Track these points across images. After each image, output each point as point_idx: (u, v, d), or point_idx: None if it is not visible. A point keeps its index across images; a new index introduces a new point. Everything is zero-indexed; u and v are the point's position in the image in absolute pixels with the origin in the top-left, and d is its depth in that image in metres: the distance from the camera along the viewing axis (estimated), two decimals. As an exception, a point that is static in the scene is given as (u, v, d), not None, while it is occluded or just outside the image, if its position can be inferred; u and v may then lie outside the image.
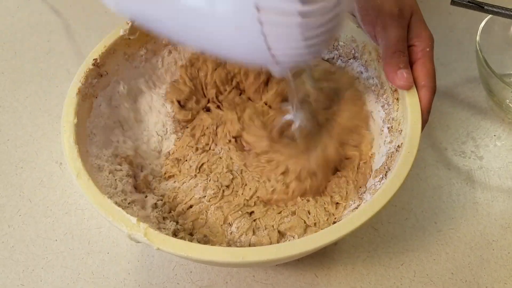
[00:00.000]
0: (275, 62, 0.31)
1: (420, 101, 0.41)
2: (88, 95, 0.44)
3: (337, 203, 0.44)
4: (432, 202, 0.50)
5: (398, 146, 0.40)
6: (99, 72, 0.45)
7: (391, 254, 0.47)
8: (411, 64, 0.42)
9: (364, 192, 0.43)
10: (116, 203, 0.37)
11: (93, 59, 0.44)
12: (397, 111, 0.43)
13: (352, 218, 0.35)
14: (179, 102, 0.50)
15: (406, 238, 0.48)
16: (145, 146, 0.49)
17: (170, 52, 0.51)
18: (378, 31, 0.42)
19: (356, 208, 0.43)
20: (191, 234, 0.43)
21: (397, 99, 0.43)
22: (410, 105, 0.40)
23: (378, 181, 0.41)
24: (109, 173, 0.42)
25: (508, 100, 0.54)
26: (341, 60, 0.50)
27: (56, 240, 0.48)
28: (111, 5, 0.35)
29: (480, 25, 0.55)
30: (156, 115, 0.50)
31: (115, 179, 0.42)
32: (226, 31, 0.30)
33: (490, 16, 0.54)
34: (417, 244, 0.48)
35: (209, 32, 0.31)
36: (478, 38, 0.54)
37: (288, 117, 0.46)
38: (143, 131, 0.50)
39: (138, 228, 0.35)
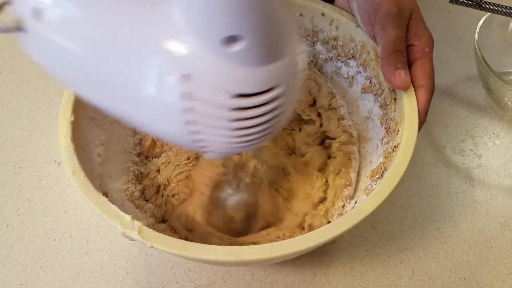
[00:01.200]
0: (202, 152, 0.29)
1: (417, 101, 0.41)
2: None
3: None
4: (431, 200, 0.50)
5: (395, 146, 0.40)
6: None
7: (389, 253, 0.47)
8: (410, 64, 0.42)
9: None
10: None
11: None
12: (394, 111, 0.43)
13: (346, 218, 0.35)
14: None
15: (404, 237, 0.48)
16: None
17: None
18: (377, 30, 0.42)
19: (343, 206, 0.43)
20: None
21: (395, 99, 0.43)
22: (407, 105, 0.40)
23: (374, 181, 0.41)
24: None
25: (506, 98, 0.53)
26: (340, 59, 0.50)
27: (54, 240, 0.48)
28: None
29: (479, 23, 0.55)
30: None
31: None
32: (153, 117, 0.27)
33: (488, 14, 0.54)
34: (416, 242, 0.48)
35: (137, 115, 0.28)
36: (476, 36, 0.54)
37: (226, 193, 0.45)
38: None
39: (132, 226, 0.34)
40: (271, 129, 0.27)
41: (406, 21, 0.42)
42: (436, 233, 0.48)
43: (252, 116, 0.25)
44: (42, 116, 0.58)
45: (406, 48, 0.42)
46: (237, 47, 0.22)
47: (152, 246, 0.34)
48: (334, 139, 0.49)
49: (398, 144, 0.39)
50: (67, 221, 0.50)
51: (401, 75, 0.40)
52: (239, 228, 0.45)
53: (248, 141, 0.27)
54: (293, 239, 0.34)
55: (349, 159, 0.47)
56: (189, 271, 0.46)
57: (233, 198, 0.45)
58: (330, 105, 0.51)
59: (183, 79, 0.23)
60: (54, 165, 0.54)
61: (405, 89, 0.41)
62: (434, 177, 0.52)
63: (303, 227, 0.42)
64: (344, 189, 0.45)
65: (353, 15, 0.46)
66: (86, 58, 0.27)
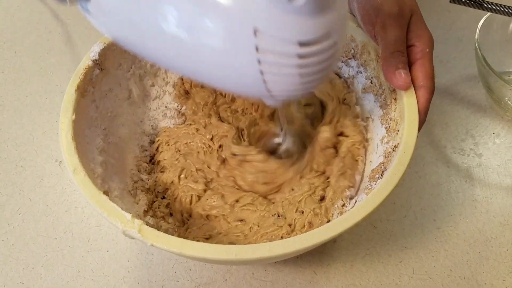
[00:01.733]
0: (271, 97, 0.32)
1: (418, 101, 0.41)
2: (87, 91, 0.44)
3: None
4: (431, 199, 0.50)
5: (395, 146, 0.40)
6: (99, 68, 0.45)
7: (390, 252, 0.47)
8: (410, 64, 0.42)
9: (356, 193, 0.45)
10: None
11: (92, 56, 0.44)
12: (394, 111, 0.43)
13: (347, 217, 0.35)
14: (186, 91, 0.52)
15: (405, 236, 0.48)
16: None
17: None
18: (378, 30, 0.42)
19: (342, 206, 0.43)
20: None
21: (395, 99, 0.43)
22: (407, 105, 0.40)
23: (374, 181, 0.41)
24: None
25: (507, 98, 0.54)
26: (341, 59, 0.50)
27: (56, 238, 0.49)
28: (103, 31, 0.36)
29: (479, 23, 0.55)
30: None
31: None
32: (223, 67, 0.31)
33: (489, 13, 0.54)
34: (416, 241, 0.48)
35: (203, 66, 0.31)
36: (477, 36, 0.54)
37: (277, 140, 0.48)
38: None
39: (133, 224, 0.35)
40: (326, 71, 0.31)
41: (407, 21, 0.43)
42: (436, 232, 0.48)
43: (314, 62, 0.29)
44: (44, 115, 0.58)
45: (407, 49, 0.42)
46: (300, 2, 0.26)
47: (152, 245, 0.34)
48: (347, 136, 0.48)
49: (398, 144, 0.39)
50: (68, 220, 0.50)
51: (402, 75, 0.40)
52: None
53: (309, 82, 0.31)
54: (293, 238, 0.34)
55: (357, 160, 0.46)
56: (190, 269, 0.46)
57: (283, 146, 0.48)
58: (344, 99, 0.50)
59: (256, 33, 0.27)
60: (56, 164, 0.54)
61: (406, 89, 0.41)
62: (434, 176, 0.52)
63: (304, 225, 0.42)
64: (346, 190, 0.45)
65: (354, 15, 0.46)
66: (157, 17, 0.30)
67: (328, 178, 0.46)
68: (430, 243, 0.48)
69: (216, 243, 0.40)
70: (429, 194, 0.51)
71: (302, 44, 0.28)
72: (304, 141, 0.49)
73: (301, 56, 0.28)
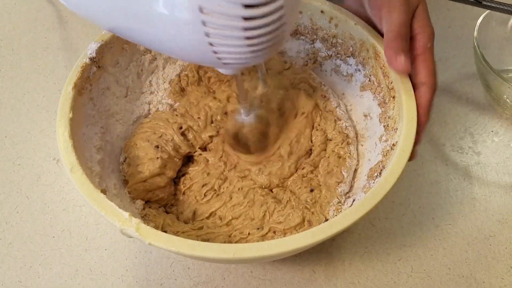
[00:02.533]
0: (221, 64, 0.32)
1: (421, 99, 0.40)
2: (84, 89, 0.44)
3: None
4: (429, 197, 0.50)
5: (393, 144, 0.40)
6: (96, 66, 0.45)
7: (388, 250, 0.47)
8: (411, 60, 0.41)
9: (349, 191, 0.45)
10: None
11: (90, 54, 0.44)
12: (393, 110, 0.43)
13: (345, 215, 0.35)
14: (182, 88, 0.52)
15: (403, 234, 0.48)
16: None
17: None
18: (384, 13, 0.41)
19: (338, 203, 0.43)
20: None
21: (393, 97, 0.43)
22: (406, 103, 0.40)
23: (373, 179, 0.41)
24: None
25: (505, 96, 0.53)
26: (339, 57, 0.50)
27: (54, 237, 0.48)
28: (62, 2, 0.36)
29: (478, 21, 0.55)
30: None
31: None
32: (171, 33, 0.30)
33: (487, 11, 0.54)
34: (415, 239, 0.48)
35: (153, 33, 0.31)
36: (475, 33, 0.54)
37: (239, 118, 0.47)
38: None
39: (130, 223, 0.34)
40: (276, 40, 0.31)
41: (413, 9, 0.41)
42: (435, 230, 0.48)
43: (260, 25, 0.29)
44: (41, 113, 0.58)
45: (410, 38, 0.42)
46: None
47: (150, 244, 0.34)
48: (330, 140, 0.49)
49: (397, 142, 0.39)
50: (66, 218, 0.50)
51: (402, 60, 0.40)
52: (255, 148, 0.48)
53: (258, 50, 0.30)
54: (291, 237, 0.34)
55: (344, 158, 0.47)
56: (188, 268, 0.46)
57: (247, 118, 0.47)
58: (325, 107, 0.51)
59: None
60: (53, 162, 0.54)
61: (404, 73, 0.40)
62: (433, 174, 0.52)
63: (303, 223, 0.42)
64: (337, 187, 0.45)
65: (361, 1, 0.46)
66: None
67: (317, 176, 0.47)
68: (429, 242, 0.48)
69: (214, 238, 0.41)
70: (427, 193, 0.51)
71: (246, 5, 0.27)
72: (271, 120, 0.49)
73: (246, 19, 0.28)
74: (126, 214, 0.35)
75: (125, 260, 0.47)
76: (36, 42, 0.66)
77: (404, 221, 0.49)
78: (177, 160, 0.48)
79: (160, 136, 0.47)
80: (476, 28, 0.54)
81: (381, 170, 0.40)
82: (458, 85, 0.60)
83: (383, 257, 0.47)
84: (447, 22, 0.67)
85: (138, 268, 0.46)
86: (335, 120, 0.50)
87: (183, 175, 0.48)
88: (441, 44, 0.64)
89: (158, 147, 0.46)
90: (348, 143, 0.48)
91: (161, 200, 0.46)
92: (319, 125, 0.49)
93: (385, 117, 0.44)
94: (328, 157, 0.47)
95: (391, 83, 0.43)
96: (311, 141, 0.49)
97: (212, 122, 0.50)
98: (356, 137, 0.49)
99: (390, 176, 0.36)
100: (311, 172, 0.47)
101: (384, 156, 0.42)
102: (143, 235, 0.34)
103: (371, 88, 0.47)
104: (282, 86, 0.51)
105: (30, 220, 0.50)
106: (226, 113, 0.50)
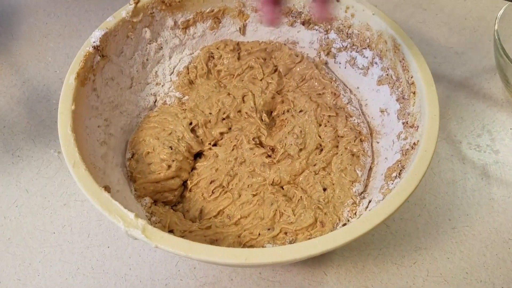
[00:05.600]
0: None
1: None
2: (87, 79, 0.41)
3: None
4: (446, 198, 0.48)
5: (414, 143, 0.38)
6: (100, 54, 0.43)
7: (403, 252, 0.45)
8: None
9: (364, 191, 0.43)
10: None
11: (93, 42, 0.42)
12: (413, 106, 0.41)
13: (364, 220, 0.33)
14: (190, 81, 0.50)
15: (419, 236, 0.46)
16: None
17: (175, 35, 0.49)
18: None
19: (353, 204, 0.41)
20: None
21: (414, 92, 0.41)
22: (428, 100, 0.38)
23: (391, 180, 0.39)
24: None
25: (527, 92, 0.51)
26: (355, 49, 0.48)
27: (54, 233, 0.46)
28: None
29: (499, 13, 0.52)
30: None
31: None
32: None
33: (508, 3, 0.52)
34: (431, 241, 0.46)
35: None
36: (496, 26, 0.51)
37: None
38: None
39: (136, 224, 0.33)
40: None
41: None
42: (452, 232, 0.46)
43: None
44: (41, 103, 0.56)
45: None
46: None
47: (156, 247, 0.32)
48: (342, 137, 0.47)
49: (418, 141, 0.37)
50: (67, 213, 0.48)
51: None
52: None
53: None
54: (306, 243, 0.32)
55: (357, 156, 0.45)
56: (194, 268, 0.44)
57: None
58: (335, 104, 0.49)
59: None
60: (54, 154, 0.52)
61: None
62: (449, 173, 0.50)
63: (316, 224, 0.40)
64: (351, 186, 0.43)
65: None
66: None
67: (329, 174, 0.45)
68: (445, 244, 0.46)
69: (223, 239, 0.39)
70: (444, 193, 0.49)
71: None
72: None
73: None
74: (131, 215, 0.33)
75: (129, 259, 0.45)
76: (36, 28, 0.63)
77: (420, 222, 0.47)
78: (190, 161, 0.46)
79: (170, 133, 0.45)
80: (497, 20, 0.51)
81: (400, 171, 0.38)
82: (476, 80, 0.58)
83: (397, 260, 0.45)
84: (464, 13, 0.64)
85: (142, 267, 0.44)
86: (346, 117, 0.48)
87: (191, 170, 0.46)
88: (457, 37, 0.62)
89: (172, 148, 0.44)
90: (361, 140, 0.46)
91: (169, 202, 0.44)
92: (328, 121, 0.47)
93: (404, 114, 0.42)
94: (341, 154, 0.45)
95: (411, 77, 0.41)
96: (320, 137, 0.47)
97: (223, 119, 0.47)
98: (371, 134, 0.47)
99: (412, 177, 0.34)
100: (323, 169, 0.45)
101: (403, 155, 0.39)
102: (149, 238, 0.32)
103: (389, 83, 0.45)
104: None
105: (30, 215, 0.48)
106: (239, 111, 0.48)
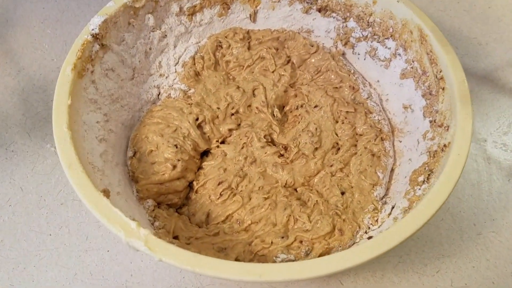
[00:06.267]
0: None
1: None
2: (85, 71, 0.38)
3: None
4: (470, 201, 0.45)
5: (445, 145, 0.35)
6: (99, 43, 0.39)
7: (425, 260, 0.42)
8: None
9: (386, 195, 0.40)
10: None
11: (92, 30, 0.38)
12: (442, 103, 0.37)
13: (392, 232, 0.29)
14: (196, 73, 0.47)
15: (442, 242, 0.43)
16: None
17: (180, 22, 0.45)
18: None
19: (374, 210, 0.38)
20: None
21: (443, 88, 0.37)
22: (460, 96, 0.35)
23: (418, 185, 0.35)
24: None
25: (559, 88, 0.48)
26: (376, 39, 0.44)
27: (50, 235, 0.44)
28: None
29: (530, 1, 0.48)
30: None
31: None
32: None
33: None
34: (454, 248, 0.43)
35: None
36: (527, 15, 0.47)
37: None
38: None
39: (138, 234, 0.29)
40: None
41: None
42: (477, 238, 0.43)
43: None
44: (38, 93, 0.53)
45: None
46: None
47: (160, 260, 0.29)
48: (361, 135, 0.44)
49: (449, 143, 0.34)
50: (65, 214, 0.45)
51: None
52: None
53: None
54: (328, 258, 0.29)
55: (378, 156, 0.42)
56: (200, 275, 0.41)
57: None
58: (354, 99, 0.45)
59: None
60: (51, 149, 0.49)
61: None
62: (473, 174, 0.47)
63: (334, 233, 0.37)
64: (372, 190, 0.40)
65: None
66: None
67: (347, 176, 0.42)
68: (470, 251, 0.43)
69: (232, 247, 0.36)
70: (468, 195, 0.46)
71: None
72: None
73: None
74: (133, 224, 0.30)
75: (130, 264, 0.42)
76: (32, 13, 0.60)
77: (443, 227, 0.44)
78: (197, 160, 0.42)
79: (175, 130, 0.42)
80: (528, 9, 0.48)
81: (428, 175, 0.35)
82: (500, 73, 0.54)
83: (419, 269, 0.42)
84: (487, 1, 0.60)
85: (144, 273, 0.42)
86: (365, 113, 0.44)
87: (197, 169, 0.43)
88: (480, 26, 0.58)
89: (177, 147, 0.41)
90: (382, 139, 0.43)
91: (173, 205, 0.41)
92: (345, 118, 0.44)
93: (431, 111, 0.39)
94: (360, 154, 0.42)
95: (440, 71, 0.38)
96: (336, 135, 0.43)
97: (232, 115, 0.44)
98: (393, 132, 0.44)
99: (445, 184, 0.31)
100: (341, 170, 0.42)
101: (431, 157, 0.36)
102: (153, 250, 0.29)
103: (414, 76, 0.41)
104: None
105: (24, 215, 0.45)
106: (250, 106, 0.44)
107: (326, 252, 0.36)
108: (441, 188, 0.31)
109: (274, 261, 0.35)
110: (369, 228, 0.37)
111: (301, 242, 0.37)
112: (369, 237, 0.36)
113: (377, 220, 0.38)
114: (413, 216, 0.30)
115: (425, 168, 0.36)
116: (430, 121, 0.38)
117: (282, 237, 0.37)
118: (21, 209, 0.45)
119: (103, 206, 0.31)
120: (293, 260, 0.35)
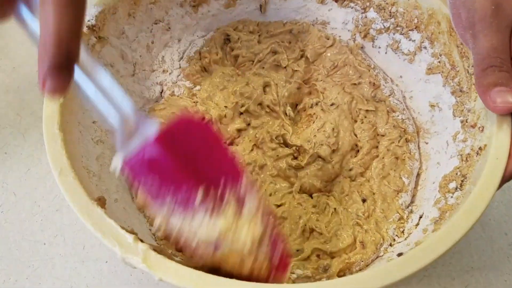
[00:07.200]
0: None
1: None
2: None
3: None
4: (501, 208, 0.43)
5: (480, 148, 0.31)
6: (96, 36, 0.37)
7: (453, 273, 0.39)
8: None
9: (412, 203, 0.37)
10: None
11: (88, 21, 0.36)
12: (475, 101, 0.34)
13: (424, 249, 0.26)
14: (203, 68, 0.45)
15: (471, 253, 0.40)
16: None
17: (185, 13, 0.43)
18: (468, 37, 0.32)
19: (399, 219, 0.35)
20: None
21: None
22: None
23: (450, 192, 0.32)
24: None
25: None
26: (399, 31, 0.41)
27: (44, 244, 0.41)
28: None
29: None
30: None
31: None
32: None
33: None
34: (485, 260, 0.40)
35: None
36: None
37: None
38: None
39: (136, 249, 0.26)
40: None
41: (508, 22, 0.31)
42: (509, 249, 0.41)
43: None
44: (33, 91, 0.51)
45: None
46: None
47: (161, 279, 0.26)
48: (382, 135, 0.41)
49: (485, 145, 0.31)
50: (60, 221, 0.43)
51: (497, 96, 0.29)
52: None
53: None
54: (352, 278, 0.25)
55: (403, 159, 0.40)
56: (207, 289, 0.38)
57: None
58: (374, 96, 0.42)
59: None
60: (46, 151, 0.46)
61: (504, 112, 0.30)
62: (504, 178, 0.43)
63: (355, 246, 0.34)
64: (396, 197, 0.37)
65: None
66: None
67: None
68: (502, 263, 0.40)
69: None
70: (498, 201, 0.43)
71: None
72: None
73: None
74: (130, 238, 0.27)
75: (130, 276, 0.39)
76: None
77: (472, 236, 0.41)
78: None
79: None
80: None
81: (462, 181, 0.31)
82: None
83: (446, 283, 0.39)
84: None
85: (145, 285, 0.39)
86: (387, 112, 0.41)
87: None
88: None
89: None
90: (406, 140, 0.40)
91: None
92: (365, 117, 0.41)
93: (462, 110, 0.35)
94: (383, 157, 0.39)
95: (472, 66, 0.34)
96: (355, 135, 0.40)
97: (241, 114, 0.41)
98: (418, 133, 0.41)
99: (483, 192, 0.28)
100: (361, 175, 0.38)
101: (463, 161, 0.33)
102: (152, 268, 0.26)
103: (442, 72, 0.38)
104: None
105: (17, 222, 0.42)
106: (260, 104, 0.41)
107: (347, 267, 0.33)
108: (480, 196, 0.28)
109: (289, 277, 0.32)
110: (394, 240, 0.34)
111: (318, 256, 0.34)
112: (399, 254, 0.32)
113: (403, 231, 0.35)
114: (450, 228, 0.27)
115: (456, 173, 0.33)
116: (461, 121, 0.35)
117: (297, 250, 0.34)
118: (13, 215, 0.43)
119: (97, 217, 0.28)
120: (309, 277, 0.32)
